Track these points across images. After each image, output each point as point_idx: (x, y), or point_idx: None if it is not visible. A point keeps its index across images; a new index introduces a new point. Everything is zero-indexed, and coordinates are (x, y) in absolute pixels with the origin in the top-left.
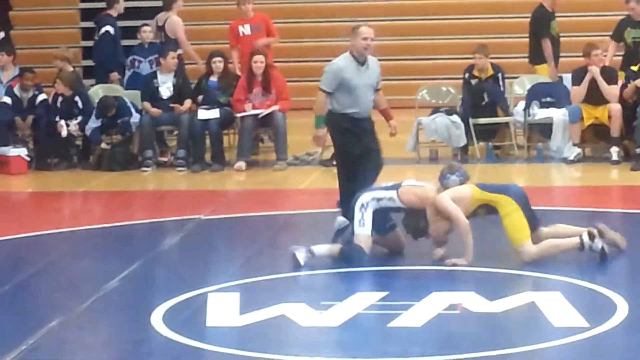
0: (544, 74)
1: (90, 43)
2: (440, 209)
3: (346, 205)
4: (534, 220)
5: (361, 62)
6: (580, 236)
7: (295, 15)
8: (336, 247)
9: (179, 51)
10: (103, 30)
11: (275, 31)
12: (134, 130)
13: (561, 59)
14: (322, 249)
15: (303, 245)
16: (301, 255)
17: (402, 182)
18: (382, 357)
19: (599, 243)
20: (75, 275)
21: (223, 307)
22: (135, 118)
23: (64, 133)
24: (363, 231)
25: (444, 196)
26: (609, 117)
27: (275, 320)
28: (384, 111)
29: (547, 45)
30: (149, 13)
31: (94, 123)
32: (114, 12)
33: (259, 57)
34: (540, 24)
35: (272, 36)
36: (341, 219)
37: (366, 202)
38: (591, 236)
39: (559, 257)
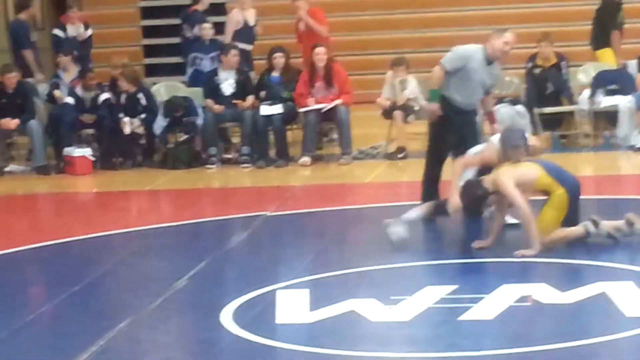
0: (605, 59)
1: (150, 41)
2: (503, 193)
3: (426, 189)
4: (574, 217)
5: (489, 61)
6: (585, 225)
7: (356, 8)
8: (428, 206)
9: (243, 46)
10: (198, 27)
11: (323, 22)
12: (198, 130)
13: (627, 46)
14: (413, 213)
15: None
16: (399, 233)
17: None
18: (454, 351)
19: (602, 229)
20: (144, 274)
21: (292, 304)
22: (201, 119)
23: (127, 130)
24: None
25: (508, 182)
26: None
27: (345, 316)
28: (489, 114)
29: (615, 37)
30: (207, 10)
31: (163, 122)
32: (200, 7)
33: (320, 49)
34: (608, 15)
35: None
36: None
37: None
38: (595, 224)
39: (631, 246)
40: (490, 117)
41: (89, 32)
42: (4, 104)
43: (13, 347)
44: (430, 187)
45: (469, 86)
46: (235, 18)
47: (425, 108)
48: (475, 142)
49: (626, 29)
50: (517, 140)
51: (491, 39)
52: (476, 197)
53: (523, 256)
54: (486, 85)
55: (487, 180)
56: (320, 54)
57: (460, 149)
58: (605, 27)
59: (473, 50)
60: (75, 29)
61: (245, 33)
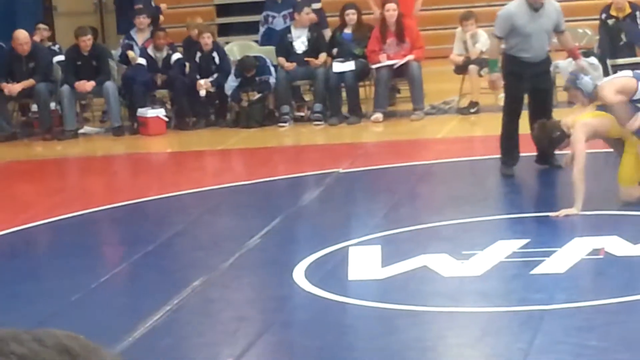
0: None
1: (223, 0)
2: (572, 143)
3: (505, 144)
4: None
5: (536, 8)
6: None
7: None
8: None
9: (315, 5)
10: None
11: None
12: (272, 89)
13: None
14: None
15: None
16: None
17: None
18: (527, 305)
19: None
20: (217, 233)
21: (364, 260)
22: (274, 77)
23: (203, 93)
24: None
25: (581, 137)
26: None
27: (417, 271)
28: (571, 51)
29: None
30: None
31: (234, 82)
32: None
33: (391, 5)
34: None
35: None
36: None
37: None
38: None
39: None
40: (573, 54)
41: None
42: (79, 66)
43: (89, 305)
44: (509, 142)
45: (528, 40)
46: None
47: (488, 80)
48: (551, 91)
49: None
50: (567, 82)
51: None
52: (552, 138)
53: (567, 215)
54: (548, 30)
55: (565, 124)
56: (391, 10)
57: (538, 102)
58: None
59: (513, 7)
60: None
61: None
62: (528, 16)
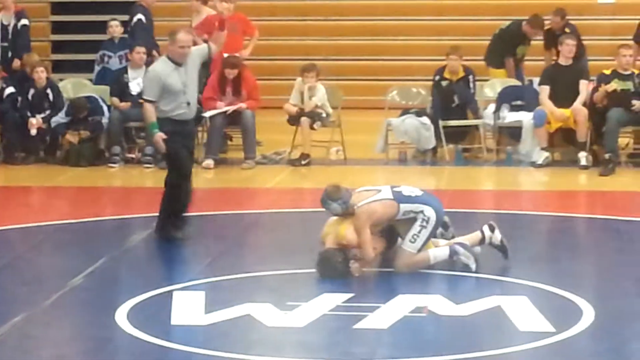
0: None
1: (59, 37)
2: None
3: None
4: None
5: (179, 64)
6: (482, 230)
7: (267, 12)
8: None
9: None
10: (135, 19)
11: (254, 28)
12: (104, 129)
13: (530, 62)
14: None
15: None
16: (470, 260)
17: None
18: (348, 359)
19: (498, 235)
20: (40, 270)
21: (188, 306)
22: (107, 117)
23: (34, 132)
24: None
25: (366, 232)
26: (575, 122)
27: (241, 319)
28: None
29: (509, 65)
30: (116, 8)
31: (63, 119)
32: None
33: (232, 72)
34: (509, 41)
35: (252, 35)
36: None
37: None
38: (491, 228)
39: (526, 262)
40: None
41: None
42: None
43: None
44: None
45: (175, 96)
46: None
47: (154, 143)
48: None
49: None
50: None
51: (169, 46)
52: (341, 263)
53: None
54: (194, 81)
55: (338, 243)
56: (231, 75)
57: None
58: (502, 51)
59: (159, 68)
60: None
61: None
62: (173, 73)
